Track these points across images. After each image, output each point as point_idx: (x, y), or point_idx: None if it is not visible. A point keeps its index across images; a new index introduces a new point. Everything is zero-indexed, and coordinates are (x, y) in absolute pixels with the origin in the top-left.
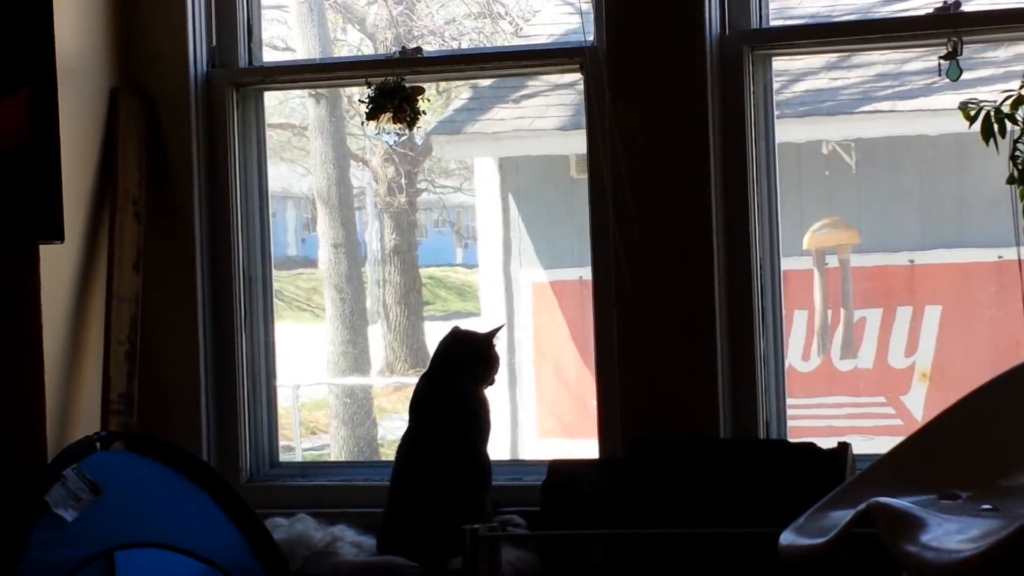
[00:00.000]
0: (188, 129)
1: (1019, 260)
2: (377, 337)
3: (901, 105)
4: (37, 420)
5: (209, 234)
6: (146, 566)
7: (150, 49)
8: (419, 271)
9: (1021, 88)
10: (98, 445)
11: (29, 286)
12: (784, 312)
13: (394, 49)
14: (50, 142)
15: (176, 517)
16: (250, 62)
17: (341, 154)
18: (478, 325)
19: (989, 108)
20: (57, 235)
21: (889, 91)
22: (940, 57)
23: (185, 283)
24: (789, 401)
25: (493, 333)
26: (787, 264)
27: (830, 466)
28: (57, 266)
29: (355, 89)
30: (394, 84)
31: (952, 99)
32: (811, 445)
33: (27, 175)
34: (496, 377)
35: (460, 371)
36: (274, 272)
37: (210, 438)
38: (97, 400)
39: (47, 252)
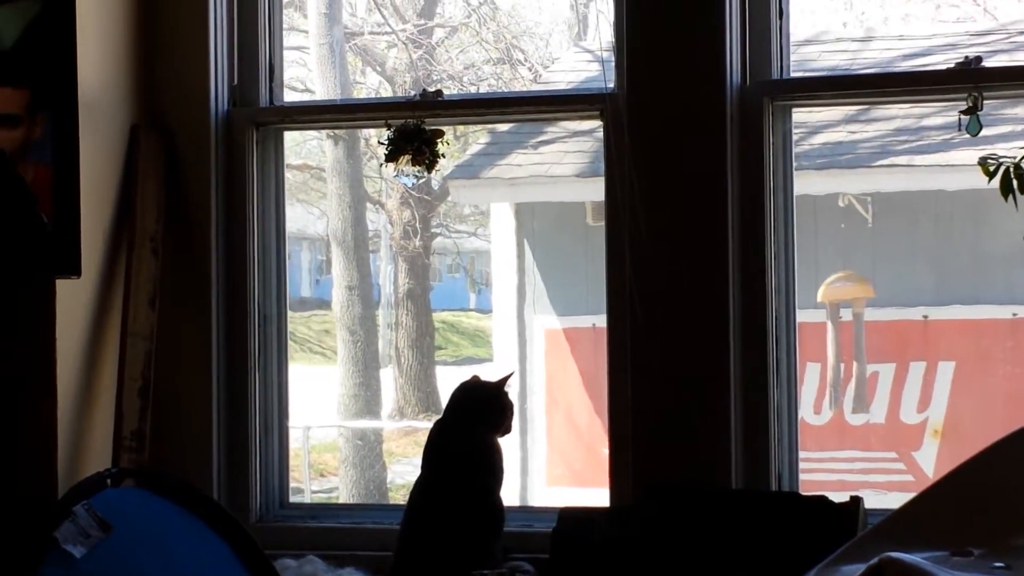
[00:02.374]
0: (207, 167)
1: None
2: (388, 381)
3: (919, 159)
4: (49, 455)
5: (226, 272)
6: None
7: (171, 86)
8: (432, 315)
9: None
10: (109, 482)
11: (45, 320)
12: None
13: (414, 92)
14: (69, 176)
15: (185, 555)
16: (271, 102)
17: (357, 196)
18: (491, 371)
19: (1009, 164)
20: (74, 270)
21: (907, 145)
22: (961, 112)
23: (200, 321)
24: (800, 454)
25: (503, 381)
26: (801, 316)
27: (842, 520)
28: (73, 300)
29: (373, 131)
30: (414, 127)
31: (971, 155)
32: (823, 498)
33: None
34: (512, 424)
35: (474, 419)
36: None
37: (221, 477)
38: (109, 436)
39: (63, 286)
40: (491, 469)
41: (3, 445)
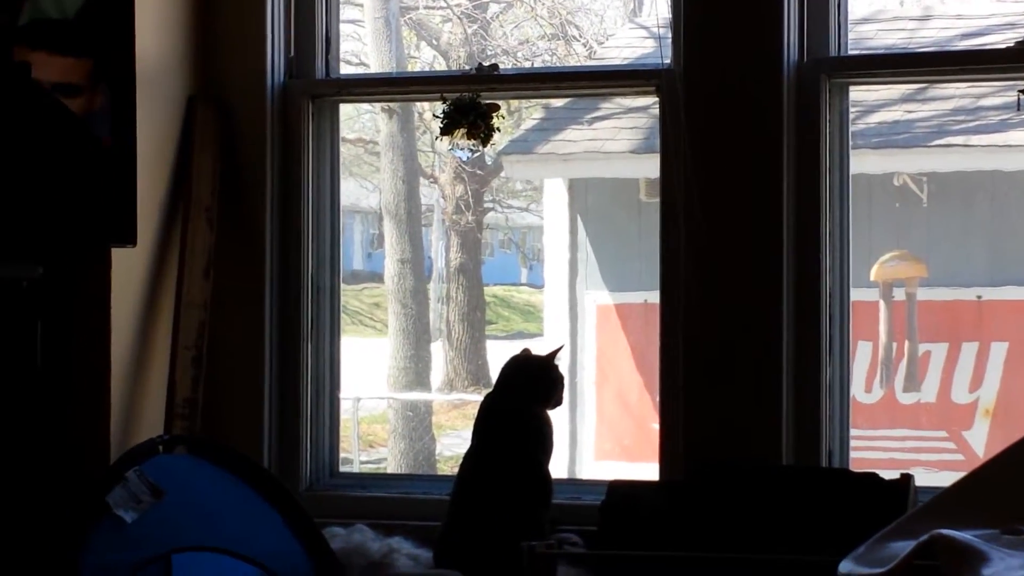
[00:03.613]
0: (263, 139)
1: None
2: (439, 354)
3: (975, 140)
4: (101, 421)
5: (280, 244)
6: (203, 570)
7: (228, 58)
8: (483, 289)
9: None
10: (160, 448)
11: (100, 288)
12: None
13: (468, 67)
14: (127, 146)
15: (235, 522)
16: (327, 74)
17: (411, 170)
18: (541, 345)
19: None
20: (129, 239)
21: (964, 125)
22: (1019, 91)
23: (254, 291)
24: (851, 432)
25: (554, 354)
26: (854, 295)
27: (892, 497)
28: (128, 269)
29: (427, 105)
30: (470, 100)
31: None
32: (873, 475)
33: (103, 177)
34: (562, 397)
35: (524, 392)
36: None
37: (271, 445)
38: (161, 403)
39: (119, 255)
40: (540, 441)
41: (58, 411)
